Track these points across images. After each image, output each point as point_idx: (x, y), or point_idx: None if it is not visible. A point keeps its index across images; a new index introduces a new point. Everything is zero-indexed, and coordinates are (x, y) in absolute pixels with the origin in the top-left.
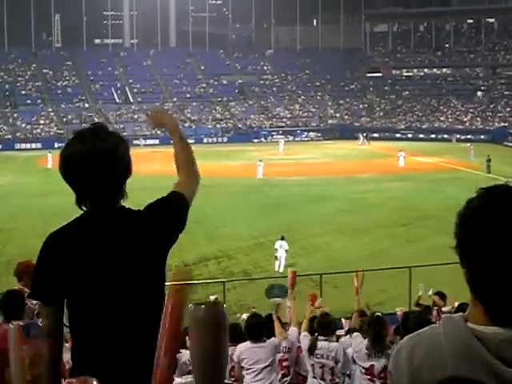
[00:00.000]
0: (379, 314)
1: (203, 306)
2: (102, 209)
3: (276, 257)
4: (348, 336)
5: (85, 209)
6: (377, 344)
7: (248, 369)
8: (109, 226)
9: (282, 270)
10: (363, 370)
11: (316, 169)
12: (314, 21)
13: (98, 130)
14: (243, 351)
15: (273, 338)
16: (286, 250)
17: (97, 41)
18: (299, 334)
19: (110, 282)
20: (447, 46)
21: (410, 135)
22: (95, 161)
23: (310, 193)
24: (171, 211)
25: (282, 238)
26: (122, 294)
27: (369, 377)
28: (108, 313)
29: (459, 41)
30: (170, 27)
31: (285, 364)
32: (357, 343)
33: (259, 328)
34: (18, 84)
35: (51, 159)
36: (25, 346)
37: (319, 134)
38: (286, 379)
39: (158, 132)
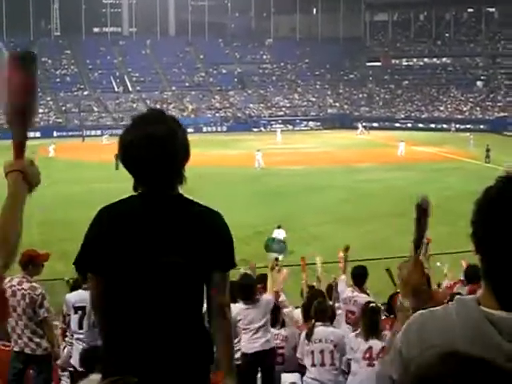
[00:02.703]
0: (373, 304)
1: None
2: (156, 192)
3: None
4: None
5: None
6: (372, 333)
7: (244, 329)
8: (161, 209)
9: (280, 257)
10: (361, 354)
11: (315, 158)
12: (314, 10)
13: (156, 115)
14: (238, 312)
15: (264, 296)
16: (284, 238)
17: (96, 29)
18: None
19: (153, 265)
20: (447, 35)
21: (409, 125)
22: (153, 146)
23: (309, 182)
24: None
25: (279, 227)
26: (162, 280)
27: (368, 361)
28: (145, 296)
29: (459, 30)
30: (169, 16)
31: (280, 351)
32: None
33: (250, 288)
34: None
35: (53, 150)
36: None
37: (318, 124)
38: (280, 367)
39: None
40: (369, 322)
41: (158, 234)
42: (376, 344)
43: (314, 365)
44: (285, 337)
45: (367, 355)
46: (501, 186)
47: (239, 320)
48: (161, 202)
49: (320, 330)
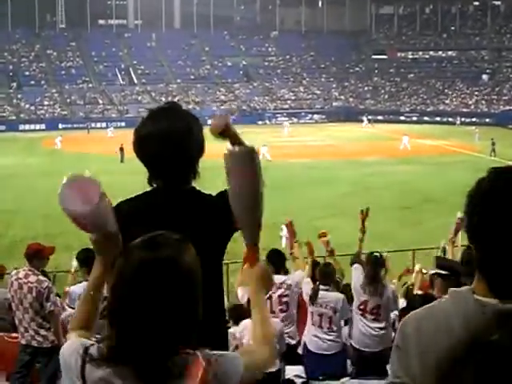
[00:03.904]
0: (377, 253)
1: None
2: (171, 187)
3: (281, 236)
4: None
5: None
6: (373, 282)
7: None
8: (175, 204)
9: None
10: (357, 304)
11: (320, 151)
12: (320, 2)
13: (172, 109)
14: (246, 327)
15: (277, 322)
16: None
17: (101, 21)
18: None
19: None
20: (453, 28)
21: (414, 118)
22: (169, 140)
23: (315, 175)
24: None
25: None
26: None
27: (361, 312)
28: None
29: (465, 23)
30: (175, 8)
31: (284, 300)
32: (356, 276)
33: None
34: (22, 65)
35: (60, 142)
36: None
37: (324, 117)
38: (283, 314)
39: None
40: (370, 271)
41: (174, 229)
42: (373, 299)
43: (313, 324)
44: (289, 285)
45: (361, 307)
46: (493, 178)
47: (245, 336)
48: (174, 196)
49: (322, 294)
